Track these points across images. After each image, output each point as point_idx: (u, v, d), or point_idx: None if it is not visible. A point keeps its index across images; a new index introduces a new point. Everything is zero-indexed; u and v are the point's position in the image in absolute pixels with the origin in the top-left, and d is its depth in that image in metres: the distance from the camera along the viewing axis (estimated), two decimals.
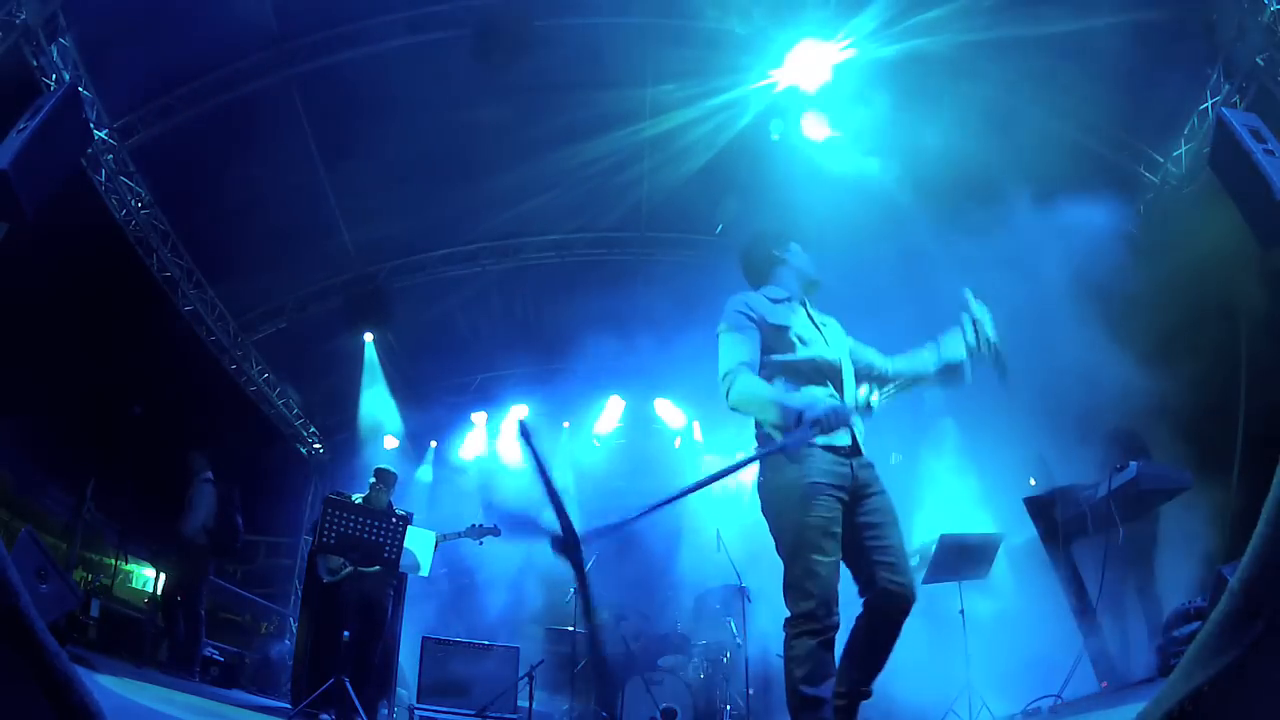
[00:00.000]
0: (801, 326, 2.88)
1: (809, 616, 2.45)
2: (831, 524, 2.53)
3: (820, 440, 2.55)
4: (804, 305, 3.04)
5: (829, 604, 2.46)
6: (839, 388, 2.79)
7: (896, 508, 2.69)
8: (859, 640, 2.57)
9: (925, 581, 5.50)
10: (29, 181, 4.45)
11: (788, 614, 2.53)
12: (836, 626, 2.47)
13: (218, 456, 7.22)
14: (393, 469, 6.20)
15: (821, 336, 2.89)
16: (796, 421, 2.41)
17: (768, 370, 2.76)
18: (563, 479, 11.90)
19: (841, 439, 2.65)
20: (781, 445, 2.48)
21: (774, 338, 2.81)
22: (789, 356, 2.79)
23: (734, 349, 2.76)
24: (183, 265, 8.20)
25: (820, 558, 2.48)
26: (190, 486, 6.92)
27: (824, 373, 2.78)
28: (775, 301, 2.97)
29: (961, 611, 5.38)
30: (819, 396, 2.62)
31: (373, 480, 5.97)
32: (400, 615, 6.08)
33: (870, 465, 2.73)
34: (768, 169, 7.79)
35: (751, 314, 2.86)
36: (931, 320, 3.23)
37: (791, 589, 2.53)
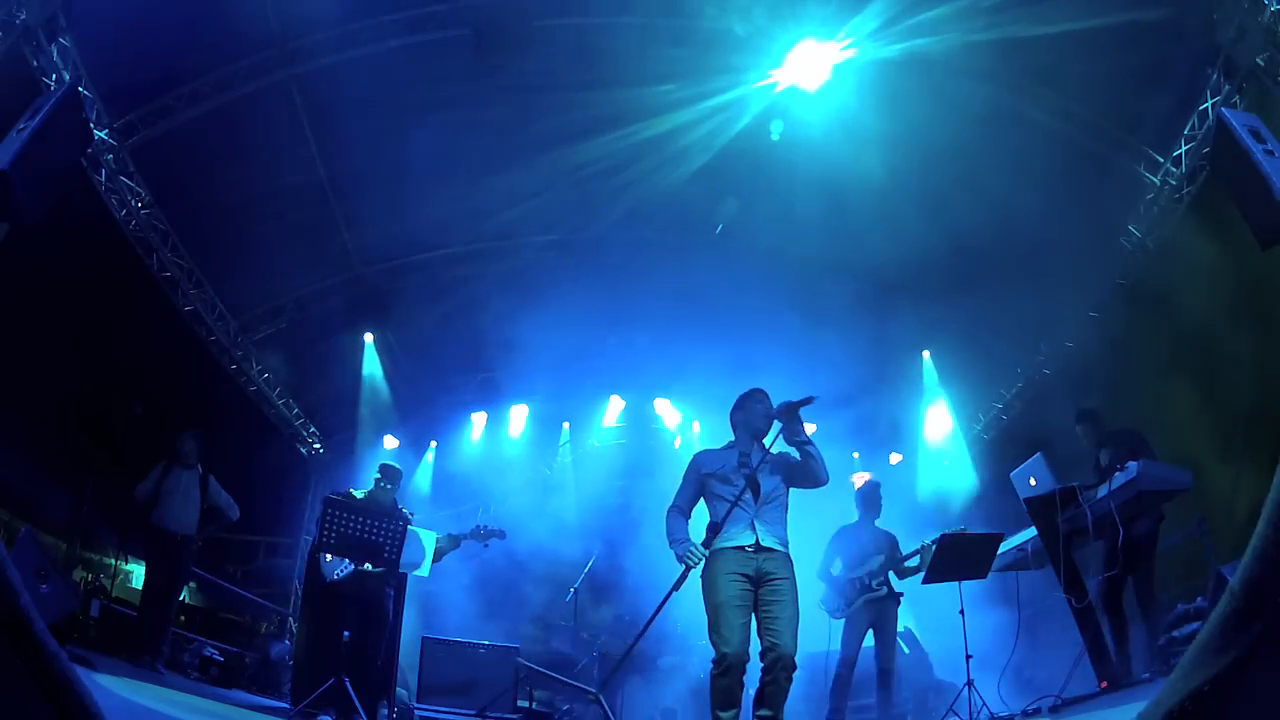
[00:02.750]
0: (728, 464, 3.84)
1: (719, 661, 3.43)
2: (734, 599, 3.49)
3: (729, 544, 3.60)
4: (747, 448, 3.90)
5: (736, 652, 3.42)
6: (747, 497, 3.70)
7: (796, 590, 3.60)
8: (760, 688, 3.45)
9: (925, 581, 5.49)
10: (29, 181, 4.45)
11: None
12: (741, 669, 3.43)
13: (213, 448, 6.86)
14: (397, 465, 6.11)
15: (739, 477, 3.76)
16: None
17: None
18: (561, 480, 11.93)
19: (745, 539, 3.61)
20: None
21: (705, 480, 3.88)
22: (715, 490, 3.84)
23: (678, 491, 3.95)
24: (183, 265, 8.19)
25: (729, 621, 3.48)
26: (168, 475, 6.37)
27: (727, 497, 3.73)
28: (723, 450, 3.98)
29: (961, 612, 5.37)
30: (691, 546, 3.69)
31: (377, 476, 5.90)
32: (400, 615, 6.06)
33: (775, 556, 3.61)
34: (767, 169, 7.79)
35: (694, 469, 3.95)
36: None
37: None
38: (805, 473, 3.82)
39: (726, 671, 3.41)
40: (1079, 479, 5.08)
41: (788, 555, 3.68)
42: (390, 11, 6.93)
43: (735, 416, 4.02)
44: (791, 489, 3.89)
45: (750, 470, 3.74)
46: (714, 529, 3.66)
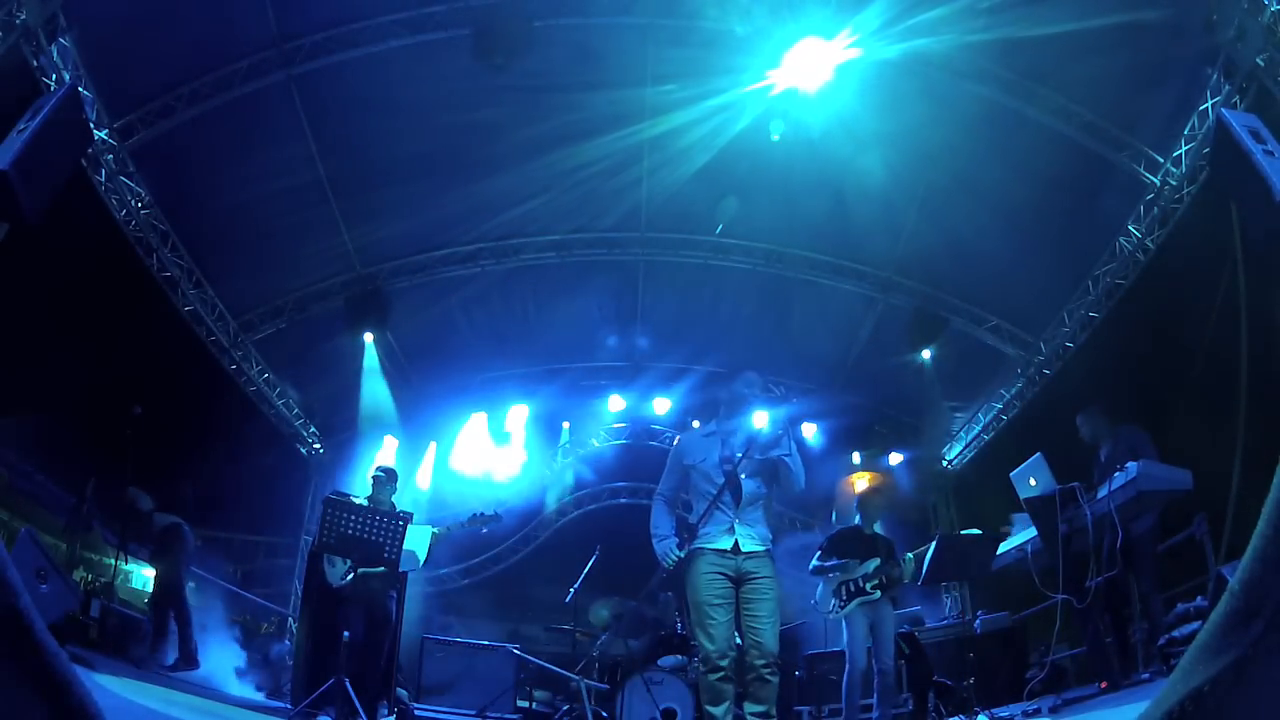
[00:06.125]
0: (709, 459, 3.76)
1: (705, 659, 3.50)
2: (715, 598, 3.53)
3: (708, 545, 3.60)
4: (730, 438, 3.80)
5: (720, 651, 3.48)
6: (726, 498, 3.66)
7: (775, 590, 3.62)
8: (746, 686, 3.50)
9: (924, 582, 5.49)
10: (29, 181, 4.45)
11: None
12: (721, 666, 3.47)
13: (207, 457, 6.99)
14: (394, 467, 6.20)
15: (719, 474, 3.69)
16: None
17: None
18: (561, 480, 11.94)
19: (724, 543, 3.59)
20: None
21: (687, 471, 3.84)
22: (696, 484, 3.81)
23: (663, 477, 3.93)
24: (183, 265, 8.19)
25: (711, 619, 3.54)
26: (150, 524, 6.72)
27: (707, 495, 3.69)
28: (704, 436, 3.91)
29: (962, 613, 5.38)
30: (669, 546, 3.70)
31: (378, 476, 5.96)
32: (402, 616, 6.07)
33: (756, 556, 3.59)
34: (767, 169, 7.79)
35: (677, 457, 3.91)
36: None
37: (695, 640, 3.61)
38: (780, 484, 3.79)
39: (714, 669, 3.47)
40: (1078, 479, 5.09)
41: (769, 554, 3.65)
42: (390, 11, 6.93)
43: (721, 396, 3.97)
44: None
45: (732, 468, 3.68)
46: (691, 530, 3.65)
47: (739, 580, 3.58)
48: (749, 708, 3.45)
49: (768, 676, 3.43)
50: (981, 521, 8.41)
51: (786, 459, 3.70)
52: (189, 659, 6.38)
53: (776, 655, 3.47)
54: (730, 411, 3.86)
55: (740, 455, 3.71)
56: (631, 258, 9.52)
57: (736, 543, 3.59)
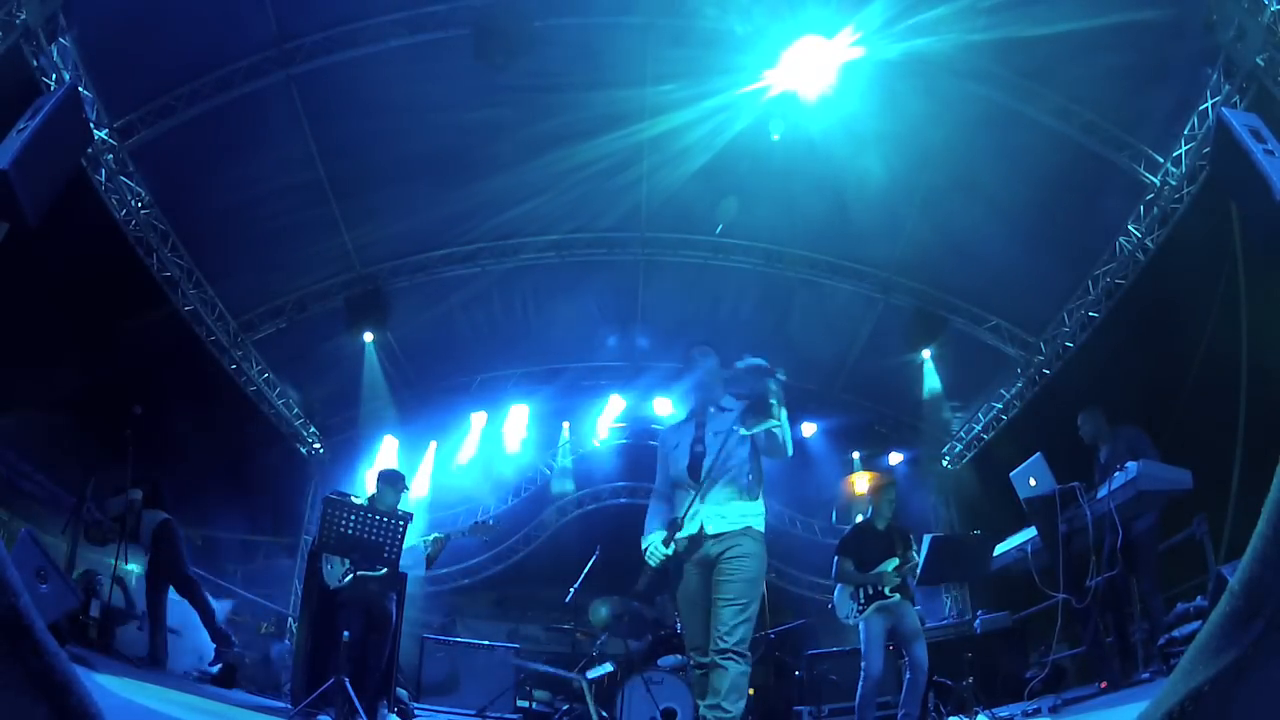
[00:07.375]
0: (681, 445, 3.62)
1: (689, 654, 3.52)
2: (689, 592, 3.46)
3: (681, 533, 3.44)
4: (701, 414, 3.66)
5: (698, 648, 3.43)
6: (686, 478, 3.52)
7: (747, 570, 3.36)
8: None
9: (919, 583, 5.46)
10: (29, 181, 4.45)
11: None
12: (701, 663, 3.39)
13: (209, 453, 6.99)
14: (400, 471, 6.17)
15: (687, 453, 3.55)
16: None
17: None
18: (561, 480, 11.94)
19: (690, 529, 3.42)
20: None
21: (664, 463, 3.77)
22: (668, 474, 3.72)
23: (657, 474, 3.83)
24: (183, 265, 8.20)
25: (688, 615, 3.52)
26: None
27: (681, 484, 3.56)
28: (681, 425, 3.78)
29: (964, 614, 5.37)
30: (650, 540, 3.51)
31: (388, 476, 5.92)
32: (401, 616, 6.07)
33: (725, 537, 3.38)
34: (767, 169, 7.79)
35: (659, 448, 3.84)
36: None
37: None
38: (767, 451, 3.52)
39: (695, 664, 3.43)
40: (1079, 479, 5.09)
41: (745, 532, 3.38)
42: (390, 11, 6.93)
43: (687, 383, 3.77)
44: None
45: (698, 446, 3.49)
46: (673, 525, 3.47)
47: (711, 566, 3.37)
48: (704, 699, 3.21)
49: (720, 662, 3.15)
50: (982, 522, 8.41)
51: (775, 430, 3.42)
52: (224, 640, 6.43)
53: (736, 641, 3.17)
54: (699, 394, 3.70)
55: (702, 430, 3.52)
56: (631, 257, 9.52)
57: (701, 525, 3.39)
